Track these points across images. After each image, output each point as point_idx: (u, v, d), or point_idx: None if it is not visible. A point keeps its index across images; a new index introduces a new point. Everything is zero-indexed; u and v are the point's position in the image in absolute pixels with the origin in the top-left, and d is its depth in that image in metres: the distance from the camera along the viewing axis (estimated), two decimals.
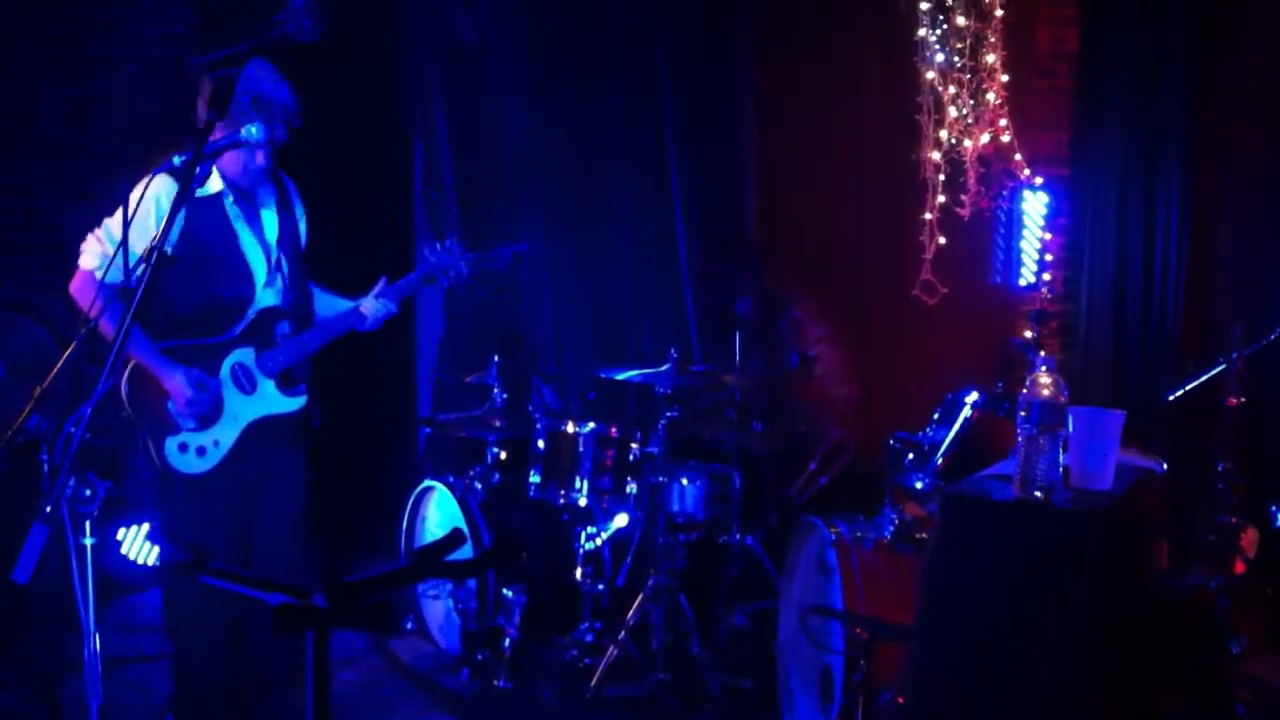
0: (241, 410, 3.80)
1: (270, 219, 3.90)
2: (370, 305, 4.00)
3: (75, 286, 3.76)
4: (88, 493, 2.31)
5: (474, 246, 4.26)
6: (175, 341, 3.74)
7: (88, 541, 2.34)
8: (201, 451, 3.73)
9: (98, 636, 2.41)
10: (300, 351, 3.89)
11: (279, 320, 3.88)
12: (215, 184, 3.76)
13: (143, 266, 2.42)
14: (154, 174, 3.46)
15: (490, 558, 1.86)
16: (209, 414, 3.73)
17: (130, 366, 3.68)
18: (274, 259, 3.87)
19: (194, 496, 3.76)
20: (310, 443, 4.06)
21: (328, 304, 4.15)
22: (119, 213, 3.61)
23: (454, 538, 2.06)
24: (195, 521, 3.78)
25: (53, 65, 6.12)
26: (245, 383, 3.81)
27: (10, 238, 6.25)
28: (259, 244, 3.84)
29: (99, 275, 3.67)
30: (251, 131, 3.17)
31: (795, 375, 5.56)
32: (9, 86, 6.09)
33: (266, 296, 3.85)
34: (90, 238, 3.73)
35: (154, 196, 3.61)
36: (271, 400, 3.86)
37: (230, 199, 3.79)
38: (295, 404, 3.92)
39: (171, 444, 3.69)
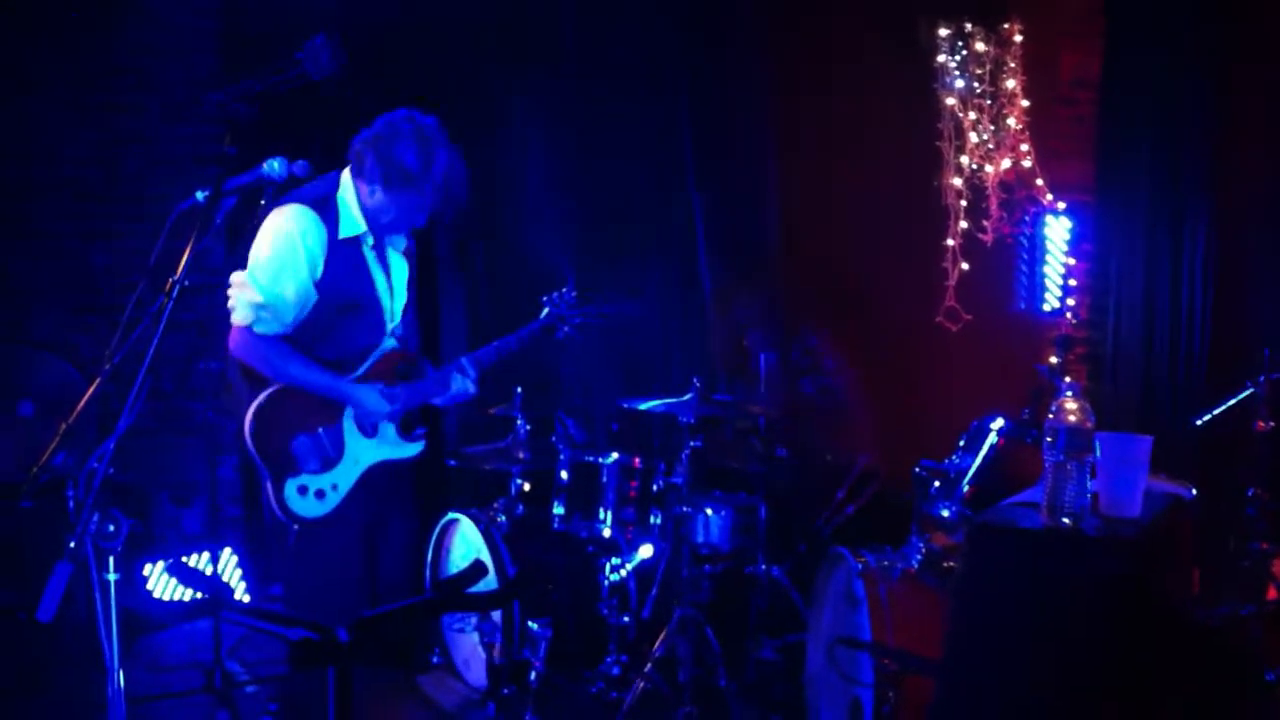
0: (363, 454, 3.74)
1: (399, 265, 3.85)
2: (457, 380, 3.93)
3: (237, 348, 3.61)
4: (111, 528, 2.31)
5: (581, 300, 4.30)
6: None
7: (111, 578, 2.34)
8: (321, 495, 3.64)
9: (122, 674, 2.40)
10: (420, 396, 3.86)
11: (399, 363, 3.84)
12: (359, 223, 3.65)
13: (168, 301, 2.43)
14: (284, 212, 3.47)
15: (513, 590, 1.85)
16: (332, 457, 3.67)
17: (254, 410, 3.58)
18: (399, 304, 3.84)
19: (315, 543, 3.66)
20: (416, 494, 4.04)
21: None
22: (268, 256, 3.51)
23: (475, 570, 2.04)
24: (319, 570, 3.69)
25: (80, 110, 6.20)
26: (368, 426, 3.77)
27: (39, 279, 6.32)
28: (389, 289, 3.79)
29: (258, 330, 3.56)
30: (273, 166, 3.16)
31: (812, 404, 5.55)
32: (38, 132, 6.17)
33: (390, 341, 3.82)
34: (236, 288, 3.57)
35: (285, 232, 3.52)
36: (392, 445, 3.82)
37: (370, 242, 3.70)
38: (414, 449, 3.88)
39: (292, 486, 3.60)
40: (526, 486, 5.37)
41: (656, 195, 6.33)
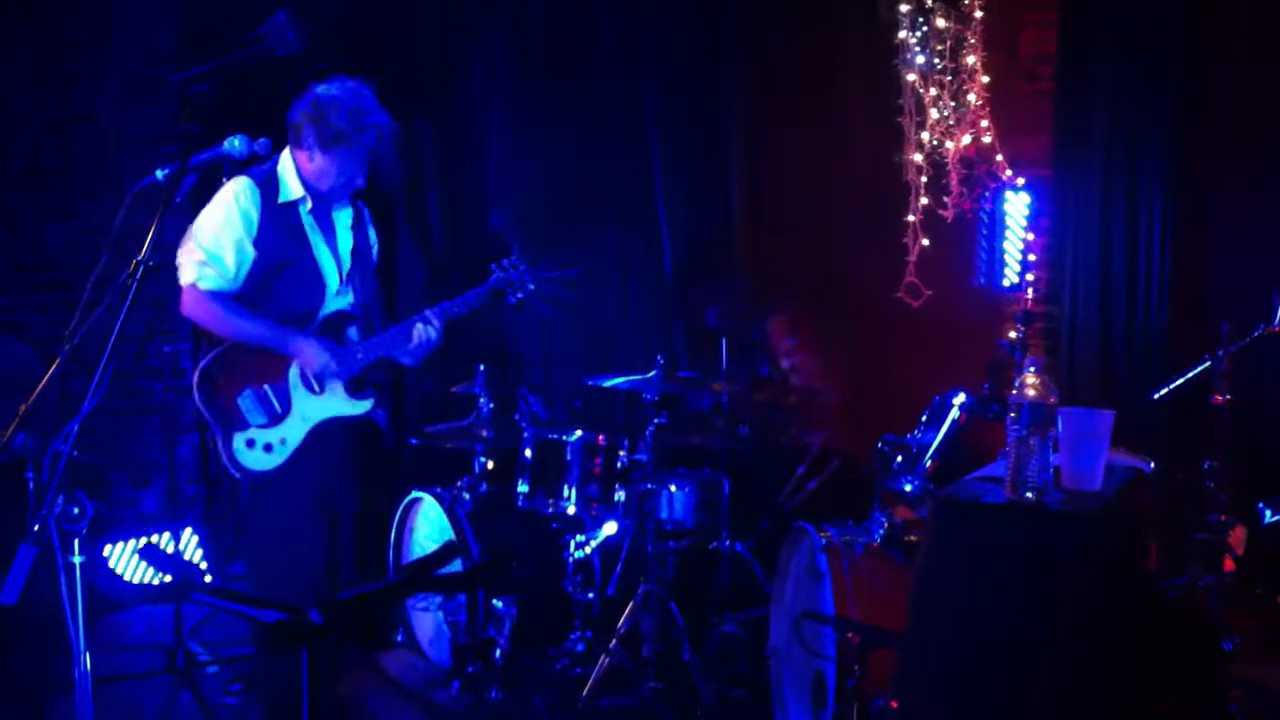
0: (309, 411, 3.85)
1: (345, 233, 3.97)
2: (420, 329, 3.98)
3: (186, 307, 3.79)
4: (76, 511, 2.29)
5: (533, 265, 4.31)
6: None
7: (76, 560, 2.32)
8: (269, 448, 3.78)
9: (88, 656, 2.39)
10: (368, 356, 3.93)
11: (349, 324, 3.95)
12: (296, 190, 3.83)
13: (131, 281, 2.41)
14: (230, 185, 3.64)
15: (482, 571, 1.84)
16: (278, 412, 3.80)
17: (202, 366, 3.76)
18: (345, 266, 3.94)
19: (268, 496, 3.82)
20: (377, 461, 4.10)
21: None
22: (206, 219, 3.72)
23: (447, 550, 2.05)
24: (277, 523, 3.83)
25: (34, 84, 6.11)
26: (314, 383, 3.86)
27: None
28: (332, 254, 3.91)
29: (202, 286, 3.73)
30: (234, 144, 3.15)
31: (770, 384, 5.57)
32: None
33: (336, 303, 3.92)
34: (182, 252, 3.76)
35: (228, 197, 3.71)
36: (340, 403, 3.90)
37: (308, 207, 3.86)
38: (362, 408, 3.95)
39: (240, 439, 3.76)
40: (490, 464, 5.36)
41: (618, 172, 6.31)
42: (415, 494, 5.27)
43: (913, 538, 4.11)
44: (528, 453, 5.08)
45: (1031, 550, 2.57)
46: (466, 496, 5.19)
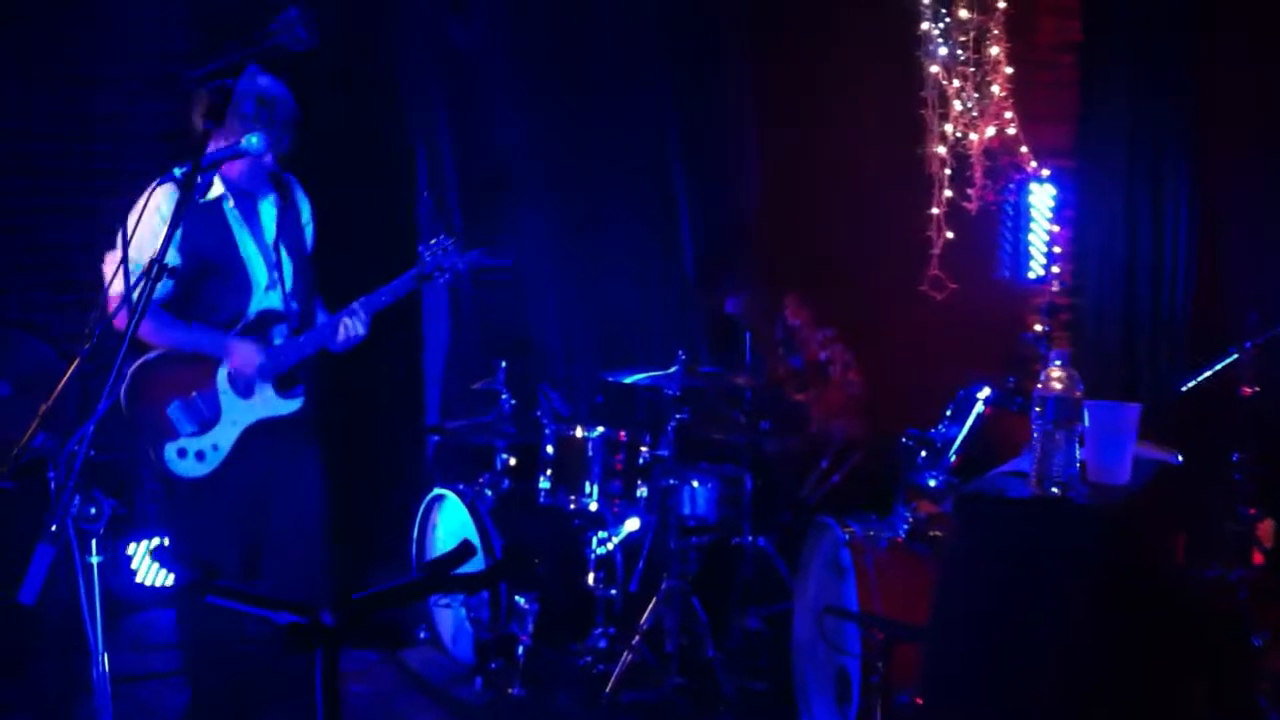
0: (239, 414, 3.81)
1: (269, 216, 3.90)
2: (346, 324, 3.91)
3: (117, 318, 3.64)
4: (93, 510, 2.28)
5: (472, 246, 4.24)
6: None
7: (94, 560, 2.31)
8: (201, 456, 3.75)
9: (106, 656, 2.38)
10: (297, 354, 3.87)
11: (276, 323, 3.88)
12: (216, 188, 3.77)
13: (143, 280, 2.39)
14: (155, 185, 3.40)
15: (501, 569, 1.82)
16: (208, 419, 3.76)
17: (129, 376, 3.71)
18: (273, 260, 3.87)
19: (197, 502, 3.78)
20: (320, 445, 4.05)
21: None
22: (129, 226, 3.55)
23: (464, 550, 2.03)
24: (201, 528, 3.81)
25: (51, 84, 6.11)
26: (242, 387, 3.82)
27: (15, 258, 6.24)
28: (258, 246, 3.84)
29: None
30: (252, 142, 3.14)
31: (802, 377, 5.52)
32: (10, 107, 6.08)
33: (266, 300, 3.86)
34: (108, 261, 3.75)
35: (155, 207, 3.57)
36: (269, 403, 3.86)
37: (230, 202, 3.80)
38: (292, 406, 3.91)
39: (171, 449, 3.72)
40: (512, 461, 5.35)
41: (637, 164, 6.28)
42: (437, 491, 5.26)
43: (937, 532, 4.07)
44: (549, 449, 5.06)
45: (1057, 546, 2.53)
46: (489, 493, 5.18)
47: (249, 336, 3.81)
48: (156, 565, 5.53)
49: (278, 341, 3.86)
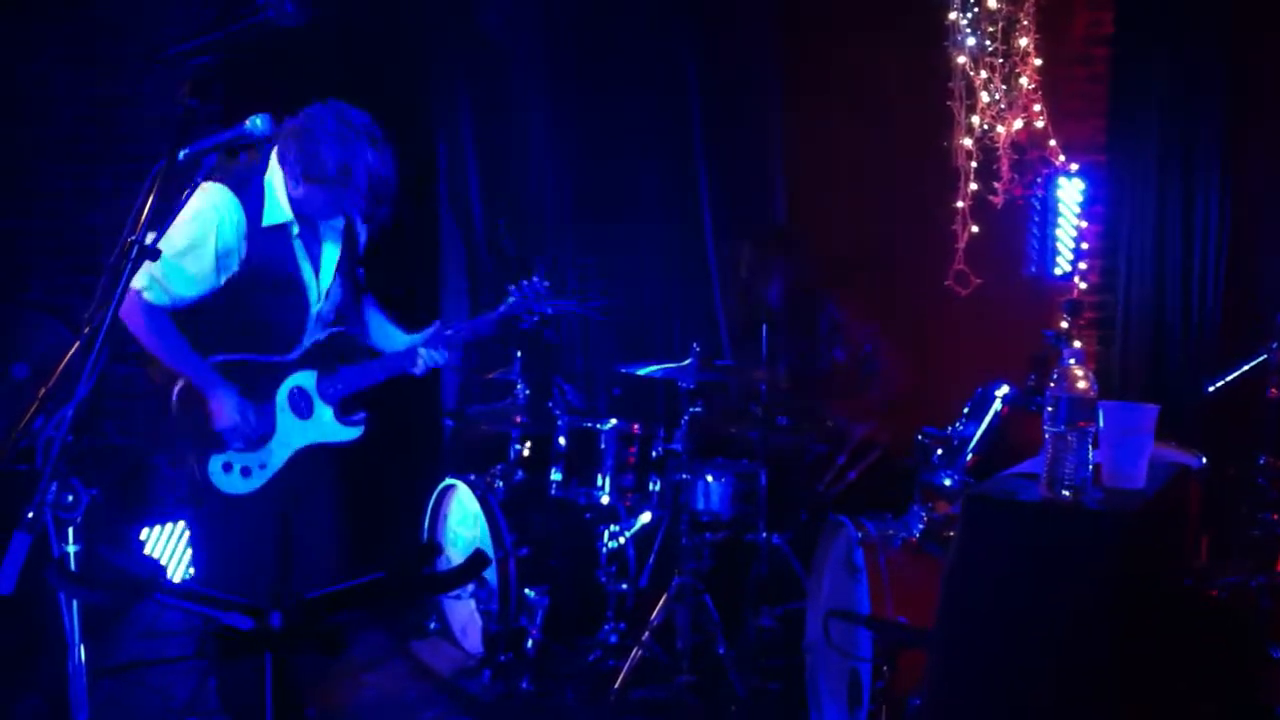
0: (294, 436, 3.71)
1: (331, 249, 3.79)
2: (425, 355, 3.90)
3: (125, 309, 3.40)
4: (70, 498, 2.23)
5: (553, 291, 4.13)
6: (233, 355, 3.62)
7: (71, 549, 2.26)
8: (246, 472, 3.62)
9: (83, 648, 2.33)
10: (363, 379, 3.81)
11: (342, 347, 3.82)
12: (284, 211, 3.60)
13: (125, 262, 2.34)
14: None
15: (464, 572, 1.76)
16: (260, 436, 3.63)
17: (182, 381, 3.55)
18: (326, 287, 3.77)
19: (230, 512, 3.65)
20: (345, 484, 3.99)
21: (381, 329, 4.08)
22: (180, 229, 3.41)
23: (477, 561, 1.99)
24: (228, 535, 3.71)
25: (75, 67, 6.12)
26: (303, 407, 3.73)
27: (39, 241, 6.26)
28: (316, 273, 3.74)
29: (147, 297, 3.49)
30: (257, 124, 3.07)
31: (845, 372, 5.43)
32: (32, 90, 6.09)
33: (321, 321, 3.78)
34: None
35: (203, 209, 3.46)
36: (327, 428, 3.78)
37: (297, 230, 3.66)
38: (352, 434, 3.84)
39: (216, 463, 3.57)
40: (526, 451, 5.30)
41: (659, 154, 6.21)
42: (449, 481, 5.22)
43: (952, 533, 3.97)
44: (562, 441, 5.01)
45: (1067, 551, 2.44)
46: (500, 484, 5.13)
47: (309, 365, 3.73)
48: (167, 545, 5.52)
49: (328, 368, 3.78)
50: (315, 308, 3.74)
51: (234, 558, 3.72)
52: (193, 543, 5.43)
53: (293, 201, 3.60)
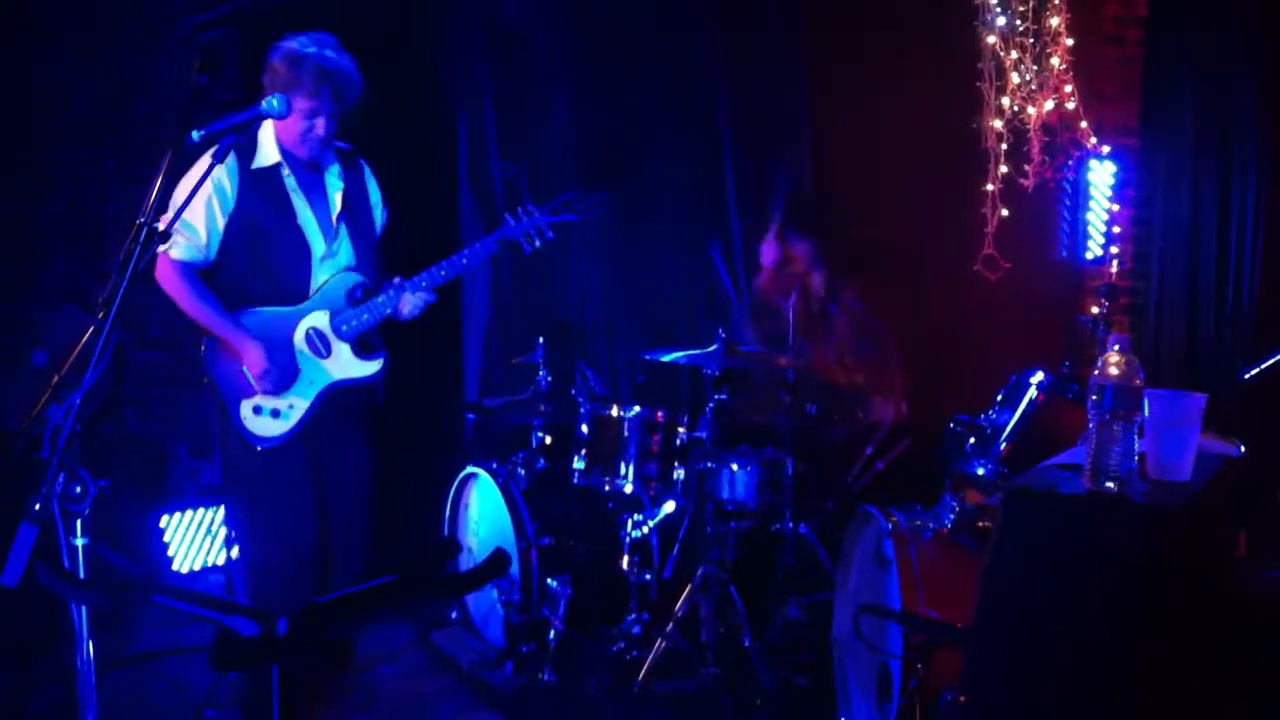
0: (317, 375, 3.83)
1: (335, 193, 3.91)
2: (408, 300, 3.96)
3: (158, 272, 3.74)
4: (78, 490, 2.17)
5: (547, 206, 4.22)
6: (248, 308, 3.77)
7: (79, 542, 2.19)
8: (276, 414, 3.76)
9: (91, 644, 2.27)
10: (375, 312, 3.88)
11: (352, 285, 3.89)
12: (272, 155, 3.77)
13: (133, 245, 2.28)
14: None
15: (483, 574, 1.68)
16: (285, 376, 3.77)
17: (214, 335, 3.75)
18: (332, 232, 3.87)
19: (271, 469, 3.78)
20: (372, 424, 4.06)
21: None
22: (182, 187, 3.56)
23: (497, 562, 1.93)
24: (273, 495, 3.80)
25: (91, 53, 6.06)
26: (321, 346, 3.83)
27: (57, 226, 6.22)
28: (315, 217, 3.84)
29: (173, 255, 3.70)
30: (273, 104, 3.06)
31: (855, 359, 5.35)
32: (48, 76, 6.04)
33: (325, 269, 3.85)
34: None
35: (204, 163, 3.48)
36: (347, 364, 3.87)
37: (287, 170, 3.79)
38: (372, 369, 3.93)
39: (246, 407, 3.74)
40: (548, 440, 5.23)
41: (684, 140, 6.11)
42: (470, 469, 5.15)
43: (985, 524, 3.88)
44: (584, 428, 4.92)
45: (1111, 546, 2.34)
46: (522, 472, 5.06)
47: (322, 306, 3.83)
48: (189, 534, 5.48)
49: (341, 307, 3.87)
50: (318, 250, 3.84)
51: (280, 532, 3.80)
52: (229, 520, 5.38)
53: (279, 141, 3.77)
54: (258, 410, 3.74)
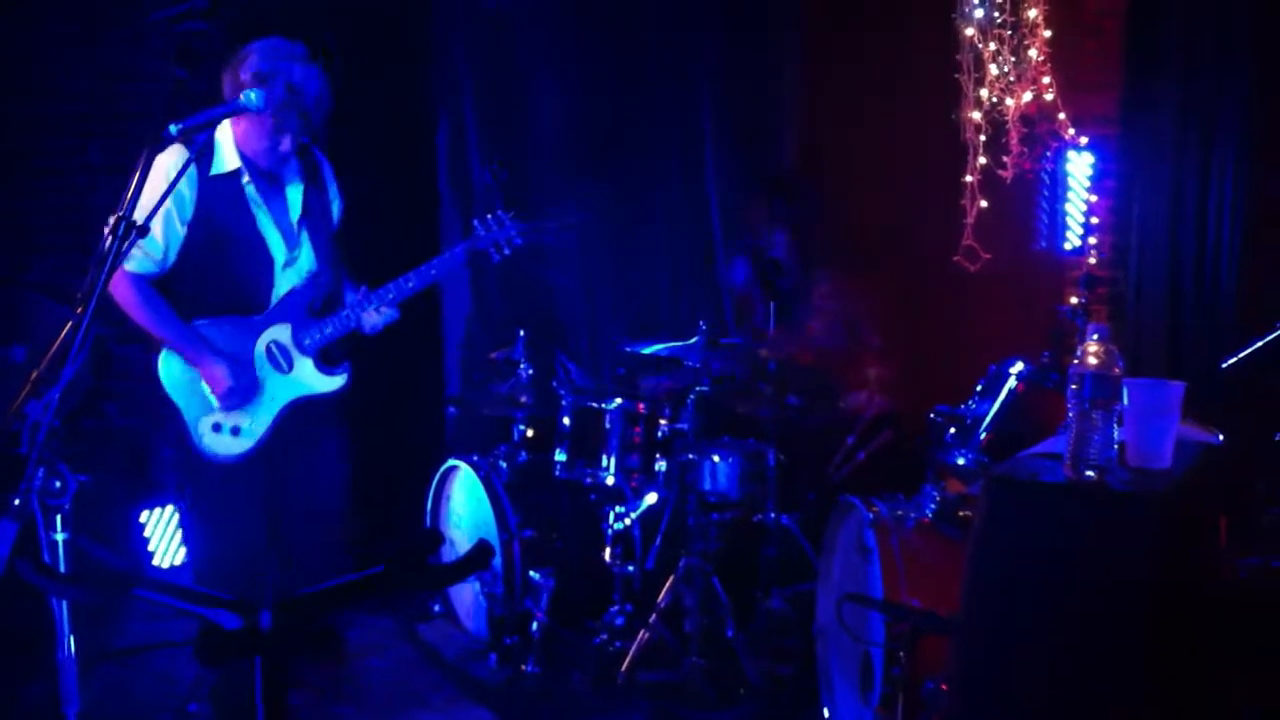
0: (279, 391, 3.67)
1: (295, 198, 3.75)
2: (372, 315, 3.81)
3: (110, 285, 3.48)
4: (58, 485, 2.15)
5: (521, 217, 4.05)
6: (207, 318, 3.60)
7: (59, 537, 2.18)
8: (236, 431, 3.58)
9: (73, 639, 2.26)
10: (339, 326, 3.75)
11: (312, 298, 3.75)
12: (232, 161, 3.59)
13: (110, 239, 2.27)
14: (160, 147, 3.26)
15: (466, 566, 1.69)
16: (244, 392, 3.59)
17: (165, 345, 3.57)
18: (295, 239, 3.72)
19: (226, 483, 3.61)
20: (342, 425, 3.96)
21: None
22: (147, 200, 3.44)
23: (481, 553, 1.92)
24: (226, 507, 3.64)
25: (77, 43, 6.01)
26: (283, 361, 3.68)
27: (41, 220, 6.17)
28: (277, 225, 3.69)
29: (127, 267, 3.49)
30: (251, 98, 3.04)
31: (834, 348, 5.36)
32: (34, 66, 5.99)
33: (288, 277, 3.71)
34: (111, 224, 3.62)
35: (162, 169, 3.41)
36: (311, 379, 3.72)
37: (246, 178, 3.61)
38: (336, 383, 3.77)
39: (205, 424, 3.56)
40: (530, 432, 5.22)
41: (666, 131, 6.12)
42: (452, 462, 5.15)
43: (966, 513, 3.90)
44: (566, 421, 4.93)
45: (1093, 534, 2.37)
46: (504, 465, 5.06)
47: (282, 320, 3.68)
48: (170, 529, 5.45)
49: (303, 320, 3.73)
50: (280, 258, 3.70)
51: (231, 538, 3.64)
52: (184, 525, 5.34)
53: (239, 148, 3.59)
54: (217, 428, 3.57)
